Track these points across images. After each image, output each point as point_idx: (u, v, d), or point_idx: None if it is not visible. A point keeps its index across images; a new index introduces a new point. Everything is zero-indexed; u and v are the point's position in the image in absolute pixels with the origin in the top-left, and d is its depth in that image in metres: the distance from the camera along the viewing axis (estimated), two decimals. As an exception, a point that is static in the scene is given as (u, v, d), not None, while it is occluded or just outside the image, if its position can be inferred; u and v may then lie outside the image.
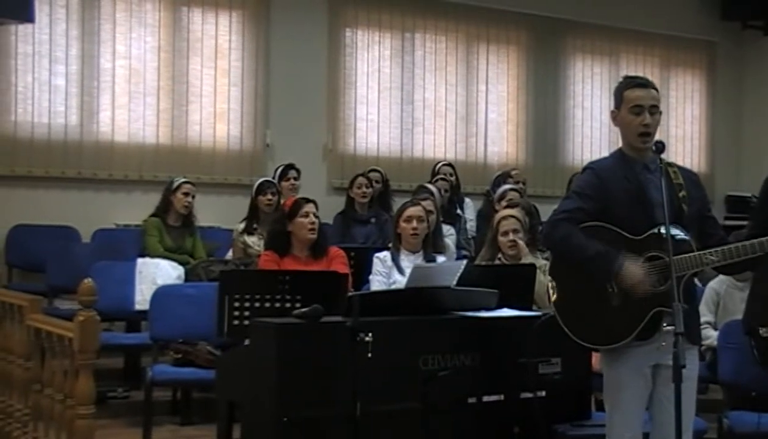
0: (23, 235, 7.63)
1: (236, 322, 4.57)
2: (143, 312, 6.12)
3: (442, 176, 8.22)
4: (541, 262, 5.46)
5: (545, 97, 10.13)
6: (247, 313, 4.55)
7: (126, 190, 8.15)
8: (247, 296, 4.59)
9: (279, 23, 8.80)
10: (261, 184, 7.15)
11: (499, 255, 5.49)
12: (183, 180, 7.20)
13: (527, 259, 5.47)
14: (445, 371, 4.13)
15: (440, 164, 8.58)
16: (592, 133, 10.26)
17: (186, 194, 7.10)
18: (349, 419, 3.68)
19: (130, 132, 8.14)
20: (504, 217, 5.54)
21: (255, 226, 6.92)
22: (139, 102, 8.18)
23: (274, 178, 7.70)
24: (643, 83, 3.86)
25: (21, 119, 7.74)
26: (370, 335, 3.70)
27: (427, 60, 9.54)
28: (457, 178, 8.48)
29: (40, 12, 7.56)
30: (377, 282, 5.47)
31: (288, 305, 4.53)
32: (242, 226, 6.97)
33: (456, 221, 8.04)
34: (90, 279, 4.23)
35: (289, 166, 7.91)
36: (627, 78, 3.98)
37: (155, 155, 8.20)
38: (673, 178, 3.79)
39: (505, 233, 5.44)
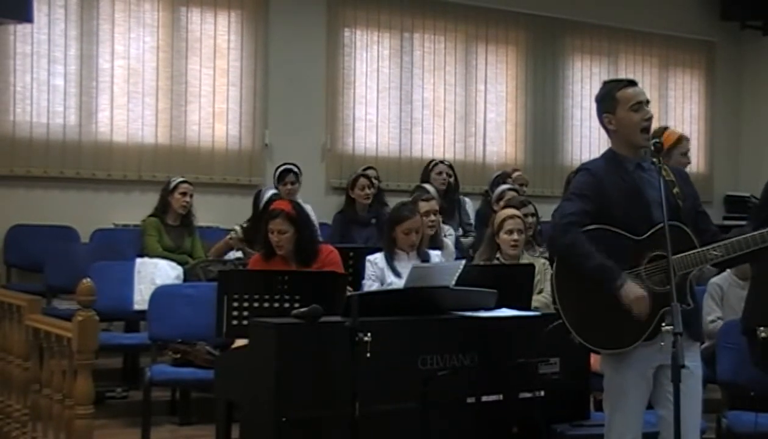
0: (22, 235, 7.63)
1: (235, 322, 4.58)
2: (142, 312, 6.11)
3: (439, 172, 8.16)
4: (540, 261, 5.47)
5: (544, 97, 10.14)
6: (246, 313, 4.56)
7: (125, 190, 8.15)
8: (246, 296, 4.59)
9: (278, 23, 8.80)
10: (270, 199, 6.70)
11: (498, 255, 5.49)
12: (180, 180, 7.19)
13: (525, 259, 5.48)
14: (444, 370, 4.13)
15: (436, 162, 8.47)
16: (590, 133, 10.26)
17: (183, 194, 7.10)
18: (348, 419, 3.68)
19: (128, 132, 8.14)
20: (510, 216, 5.54)
21: (257, 232, 6.77)
22: (137, 102, 8.18)
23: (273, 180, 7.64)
24: (633, 82, 3.92)
25: (20, 119, 7.73)
26: (369, 335, 3.70)
27: (425, 60, 9.54)
28: (455, 178, 8.46)
29: (39, 12, 7.55)
30: (369, 286, 5.46)
31: (287, 305, 4.54)
32: (240, 230, 6.79)
33: (455, 220, 8.01)
34: (89, 279, 4.23)
35: (287, 171, 7.73)
36: (612, 81, 4.01)
37: (154, 155, 8.19)
38: (665, 176, 3.78)
39: (510, 232, 5.44)
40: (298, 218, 5.28)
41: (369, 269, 5.51)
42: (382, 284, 5.44)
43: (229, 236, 6.89)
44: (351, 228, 7.71)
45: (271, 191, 7.14)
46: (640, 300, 3.59)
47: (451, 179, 8.34)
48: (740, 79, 11.31)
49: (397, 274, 5.41)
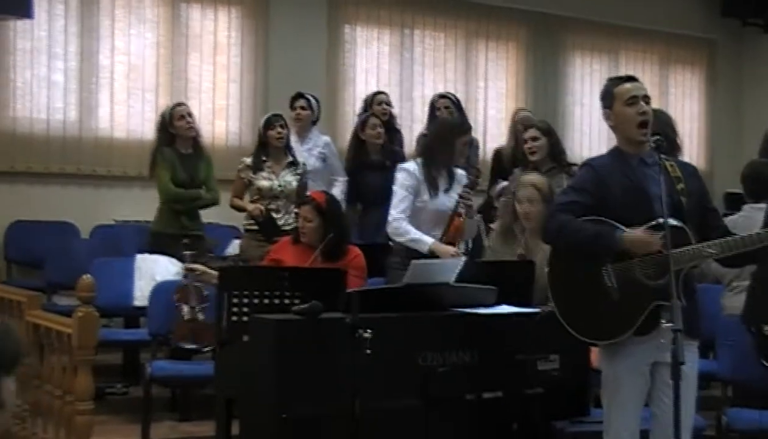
0: (22, 231, 7.63)
1: (235, 318, 4.57)
2: (142, 308, 6.11)
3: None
4: None
5: (544, 94, 10.13)
6: (246, 309, 4.55)
7: (125, 186, 8.14)
8: (246, 293, 4.57)
9: (278, 19, 8.80)
10: (268, 119, 6.62)
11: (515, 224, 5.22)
12: (172, 106, 6.76)
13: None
14: (444, 367, 4.12)
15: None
16: (590, 130, 10.26)
17: (182, 117, 6.66)
18: (348, 416, 3.68)
19: (129, 128, 8.14)
20: (522, 185, 5.15)
21: (264, 159, 6.51)
22: (138, 98, 8.18)
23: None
24: (631, 77, 3.93)
25: (20, 115, 7.74)
26: (369, 331, 3.69)
27: (426, 56, 9.54)
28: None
29: (39, 8, 7.56)
30: (402, 196, 5.40)
31: (287, 301, 4.53)
32: (249, 160, 6.55)
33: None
34: (89, 275, 4.25)
35: (299, 95, 7.36)
36: (612, 78, 4.02)
37: (154, 151, 8.18)
38: (670, 172, 3.79)
39: (520, 201, 5.08)
40: (327, 211, 5.19)
41: (403, 178, 5.38)
42: (415, 198, 5.41)
43: (238, 169, 6.63)
44: (364, 174, 7.16)
45: (268, 114, 6.81)
46: (647, 245, 3.59)
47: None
48: (741, 77, 11.30)
49: (436, 189, 5.41)
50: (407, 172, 5.45)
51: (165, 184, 6.63)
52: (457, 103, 7.60)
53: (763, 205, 5.07)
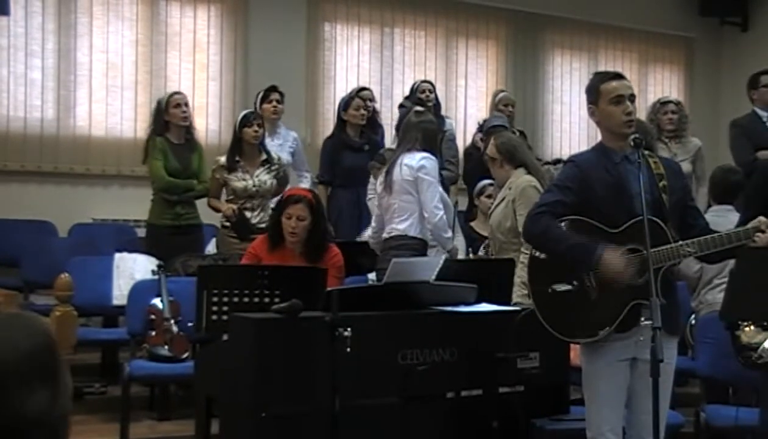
0: (-1, 229, 7.58)
1: (215, 317, 4.55)
2: (121, 307, 6.08)
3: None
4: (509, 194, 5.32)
5: (524, 93, 10.15)
6: (225, 308, 4.53)
7: (103, 184, 8.11)
8: (226, 291, 4.56)
9: (258, 17, 8.78)
10: (245, 116, 6.60)
11: None
12: (170, 94, 6.82)
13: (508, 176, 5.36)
14: (423, 365, 4.13)
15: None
16: (570, 128, 10.29)
17: (178, 106, 6.71)
18: (328, 415, 3.67)
19: (107, 126, 8.11)
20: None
21: (238, 159, 6.49)
22: (116, 96, 8.15)
23: (255, 103, 7.34)
24: (618, 75, 3.93)
25: (-3, 113, 7.69)
26: (348, 329, 3.69)
27: (406, 55, 9.54)
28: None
29: (16, 5, 7.50)
30: (439, 190, 5.66)
31: (267, 300, 4.52)
32: (223, 159, 6.53)
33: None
34: (67, 274, 4.22)
35: (272, 89, 7.39)
36: (599, 73, 4.03)
37: (133, 150, 8.10)
38: (653, 169, 3.80)
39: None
40: (318, 208, 5.15)
41: (433, 169, 5.57)
42: None
43: (212, 169, 6.61)
44: (342, 153, 7.29)
45: (246, 111, 6.81)
46: (618, 275, 3.61)
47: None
48: (719, 75, 11.36)
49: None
50: (435, 163, 5.56)
51: (158, 172, 6.64)
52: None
53: (731, 207, 5.20)
